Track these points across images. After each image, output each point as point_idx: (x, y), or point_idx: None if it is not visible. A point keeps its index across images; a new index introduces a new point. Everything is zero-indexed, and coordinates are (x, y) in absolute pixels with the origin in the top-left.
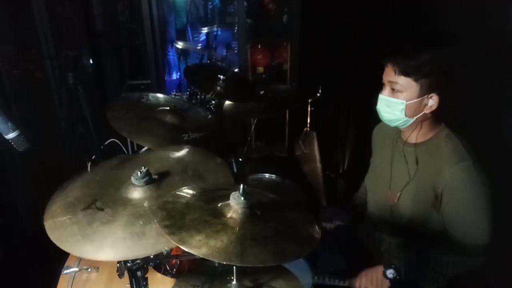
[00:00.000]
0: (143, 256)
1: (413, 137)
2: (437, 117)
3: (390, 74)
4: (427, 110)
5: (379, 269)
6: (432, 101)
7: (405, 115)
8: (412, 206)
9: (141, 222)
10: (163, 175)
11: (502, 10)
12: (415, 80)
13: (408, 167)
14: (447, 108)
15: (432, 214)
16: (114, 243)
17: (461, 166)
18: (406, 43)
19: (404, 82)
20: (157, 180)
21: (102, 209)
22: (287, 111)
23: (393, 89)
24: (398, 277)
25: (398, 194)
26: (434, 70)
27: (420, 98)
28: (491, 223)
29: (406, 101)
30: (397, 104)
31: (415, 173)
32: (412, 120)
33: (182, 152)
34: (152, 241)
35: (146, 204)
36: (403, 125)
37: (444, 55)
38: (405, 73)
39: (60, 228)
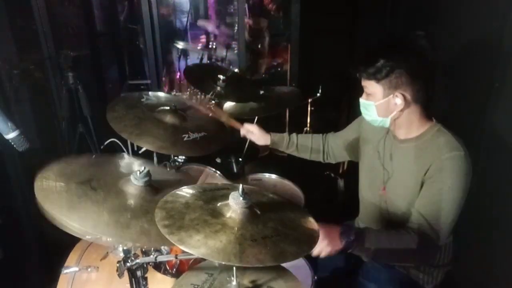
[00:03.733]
0: (118, 242)
1: (403, 133)
2: (424, 113)
3: (362, 80)
4: (398, 109)
5: (337, 228)
6: (399, 100)
7: (378, 115)
8: (404, 200)
9: (128, 216)
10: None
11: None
12: (378, 83)
13: (401, 162)
14: (419, 104)
15: None
16: (96, 221)
17: (452, 155)
18: (365, 51)
19: (370, 85)
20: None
21: (95, 189)
22: (287, 111)
23: (366, 93)
24: (352, 243)
25: (390, 189)
26: (390, 72)
27: (387, 98)
28: (456, 215)
29: (375, 103)
30: (369, 106)
31: (407, 167)
32: (388, 119)
33: None
34: (134, 236)
35: (131, 202)
36: (382, 124)
37: (396, 59)
38: (368, 77)
39: (49, 190)
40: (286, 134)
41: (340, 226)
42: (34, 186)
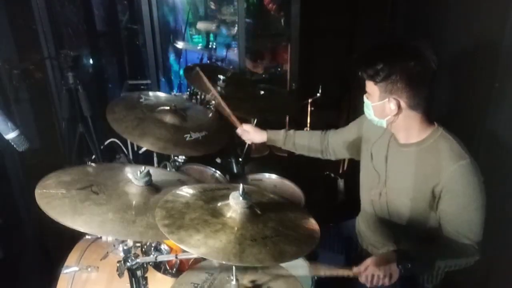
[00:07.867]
0: (125, 238)
1: (403, 137)
2: (424, 119)
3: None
4: (392, 113)
5: (392, 255)
6: (393, 105)
7: (375, 115)
8: (406, 205)
9: (133, 212)
10: None
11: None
12: (375, 84)
13: (402, 166)
14: (416, 110)
15: (427, 212)
16: (102, 222)
17: (460, 165)
18: (367, 52)
19: (369, 85)
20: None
21: (97, 193)
22: None
23: (367, 92)
24: (409, 270)
25: (390, 191)
26: (387, 76)
27: (382, 101)
28: (484, 220)
29: (372, 103)
30: (368, 105)
31: (409, 171)
32: (383, 121)
33: None
34: (141, 230)
35: (134, 201)
36: (380, 124)
37: (394, 65)
38: (367, 78)
39: (50, 198)
40: (283, 131)
41: (395, 255)
42: (35, 195)
